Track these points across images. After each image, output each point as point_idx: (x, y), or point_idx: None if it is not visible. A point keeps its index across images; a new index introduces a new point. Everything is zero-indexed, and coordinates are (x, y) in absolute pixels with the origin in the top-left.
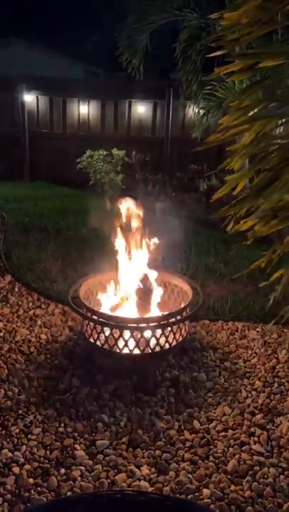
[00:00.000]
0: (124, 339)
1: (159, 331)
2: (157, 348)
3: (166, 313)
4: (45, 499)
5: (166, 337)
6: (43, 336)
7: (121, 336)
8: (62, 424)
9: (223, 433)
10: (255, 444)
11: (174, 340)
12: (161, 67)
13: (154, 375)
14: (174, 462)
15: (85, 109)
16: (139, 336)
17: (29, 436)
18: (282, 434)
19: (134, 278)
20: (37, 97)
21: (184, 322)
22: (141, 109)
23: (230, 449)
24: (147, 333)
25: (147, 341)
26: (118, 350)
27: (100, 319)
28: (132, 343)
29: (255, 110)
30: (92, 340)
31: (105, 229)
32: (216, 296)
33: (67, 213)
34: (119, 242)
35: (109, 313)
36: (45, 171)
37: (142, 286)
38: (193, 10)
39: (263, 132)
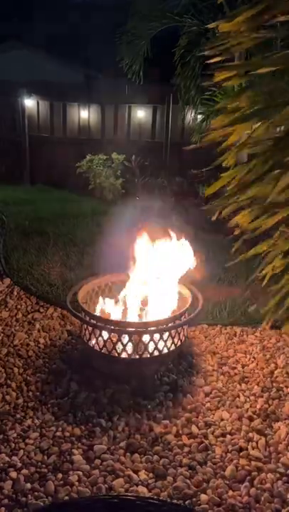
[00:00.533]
0: (122, 343)
1: (157, 336)
2: (156, 353)
3: (165, 317)
4: (42, 504)
5: (165, 341)
6: (42, 340)
7: (119, 340)
8: (60, 429)
9: (221, 438)
10: (253, 449)
11: (173, 345)
12: (161, 72)
13: (152, 380)
14: (171, 467)
15: (85, 114)
16: (137, 341)
17: (26, 440)
18: (280, 440)
19: (135, 282)
20: (37, 101)
21: (183, 327)
22: (141, 114)
23: (229, 454)
24: (146, 338)
25: (146, 346)
26: (116, 355)
27: (98, 323)
28: (130, 348)
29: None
30: (90, 344)
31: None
32: (215, 300)
33: (67, 217)
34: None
35: (108, 317)
36: (45, 175)
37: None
38: (193, 16)
39: (252, 132)
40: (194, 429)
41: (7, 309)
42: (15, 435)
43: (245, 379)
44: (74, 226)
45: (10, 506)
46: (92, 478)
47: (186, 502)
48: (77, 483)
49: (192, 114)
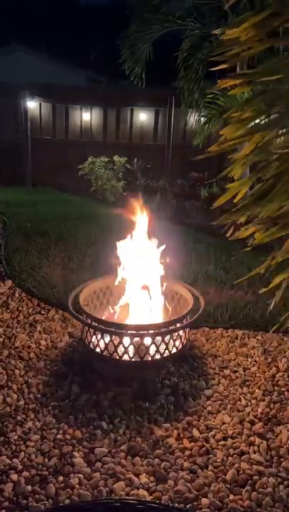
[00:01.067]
0: (123, 346)
1: (159, 338)
2: (157, 356)
3: (167, 320)
4: (43, 507)
5: (166, 344)
6: (43, 342)
7: (121, 342)
8: (61, 431)
9: (222, 442)
10: (254, 453)
11: (174, 348)
12: (163, 75)
13: (153, 383)
14: (172, 471)
15: (87, 116)
16: (139, 343)
17: (27, 443)
18: (281, 444)
19: (135, 284)
20: (40, 103)
21: (184, 329)
22: (143, 117)
23: (230, 458)
24: (147, 340)
25: (147, 348)
26: (118, 357)
27: (100, 325)
28: (131, 350)
29: (257, 121)
30: (91, 346)
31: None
32: (216, 303)
33: (69, 219)
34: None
35: (109, 319)
36: (47, 177)
37: (143, 292)
38: (196, 19)
39: (263, 142)
40: (195, 432)
41: (8, 311)
42: (16, 437)
43: (247, 382)
44: (75, 228)
45: (10, 509)
46: (93, 481)
47: (187, 506)
48: (78, 486)
49: (195, 117)
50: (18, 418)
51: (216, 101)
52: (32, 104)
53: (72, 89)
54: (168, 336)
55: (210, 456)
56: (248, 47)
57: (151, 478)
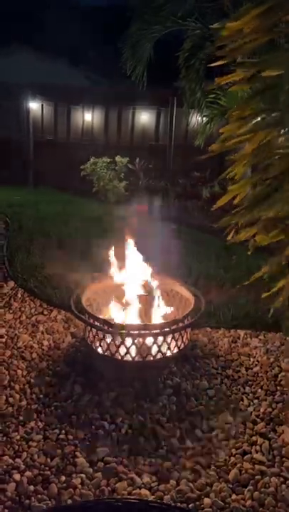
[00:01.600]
0: (125, 346)
1: (160, 339)
2: (159, 356)
3: (168, 320)
4: (45, 506)
5: (168, 344)
6: (45, 343)
7: (123, 343)
8: (63, 431)
9: (224, 442)
10: (256, 453)
11: (176, 348)
12: (164, 75)
13: (155, 383)
14: (175, 471)
15: (89, 117)
16: (140, 343)
17: (30, 443)
18: (284, 444)
19: (136, 284)
20: (42, 104)
21: (186, 329)
22: (144, 117)
23: (232, 457)
24: (149, 341)
25: (149, 349)
26: (120, 358)
27: (102, 326)
28: (133, 351)
29: (258, 119)
30: (94, 347)
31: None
32: (218, 303)
33: (71, 219)
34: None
35: (111, 320)
36: (49, 177)
37: (144, 292)
38: (197, 19)
39: (264, 142)
40: (198, 432)
41: (11, 311)
42: (18, 437)
43: (249, 382)
44: (77, 228)
45: (13, 508)
46: (95, 481)
47: (190, 505)
48: (80, 485)
49: (197, 117)
50: (21, 418)
51: (218, 101)
52: (34, 105)
53: (74, 89)
54: (170, 336)
55: (212, 456)
56: (251, 39)
57: (154, 477)
